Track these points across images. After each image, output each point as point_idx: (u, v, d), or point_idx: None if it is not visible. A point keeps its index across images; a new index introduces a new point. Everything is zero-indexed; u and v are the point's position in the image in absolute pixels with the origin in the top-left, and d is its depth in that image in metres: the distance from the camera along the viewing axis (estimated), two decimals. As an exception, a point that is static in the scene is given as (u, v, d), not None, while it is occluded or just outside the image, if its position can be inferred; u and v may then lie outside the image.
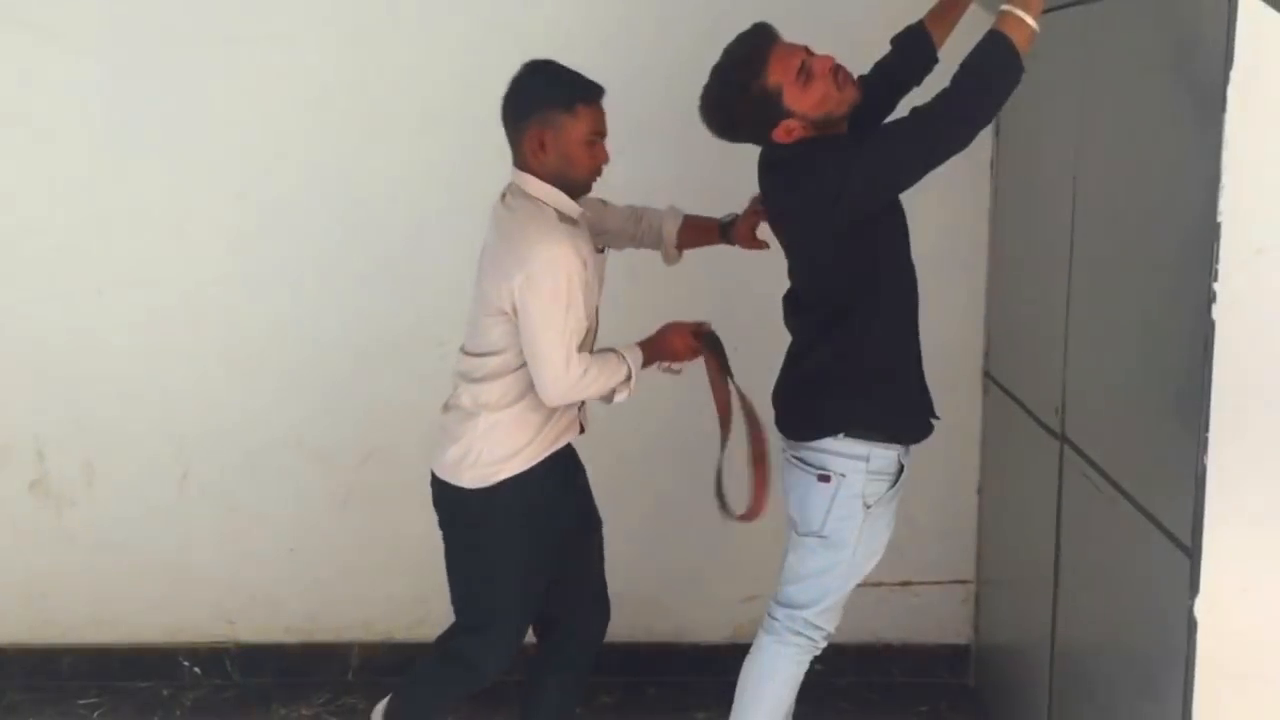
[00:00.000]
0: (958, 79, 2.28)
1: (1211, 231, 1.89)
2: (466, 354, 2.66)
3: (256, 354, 3.49)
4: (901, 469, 2.56)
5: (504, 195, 2.64)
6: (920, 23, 2.68)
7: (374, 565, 3.56)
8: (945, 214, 3.34)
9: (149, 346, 3.49)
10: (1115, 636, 2.38)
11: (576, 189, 2.59)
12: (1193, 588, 1.97)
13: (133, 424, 3.52)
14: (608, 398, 2.58)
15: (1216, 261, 1.89)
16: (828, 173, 2.38)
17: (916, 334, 2.59)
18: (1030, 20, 2.21)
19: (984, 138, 3.29)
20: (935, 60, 2.66)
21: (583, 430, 2.73)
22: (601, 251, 2.70)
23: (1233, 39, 1.84)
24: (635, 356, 2.59)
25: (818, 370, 2.57)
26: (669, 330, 2.66)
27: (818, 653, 2.66)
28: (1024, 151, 3.12)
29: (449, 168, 3.41)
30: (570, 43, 3.32)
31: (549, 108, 2.50)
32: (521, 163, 2.56)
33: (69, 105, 3.40)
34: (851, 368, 2.53)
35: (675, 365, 2.68)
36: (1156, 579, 2.12)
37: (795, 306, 2.63)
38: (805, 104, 2.42)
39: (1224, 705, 1.98)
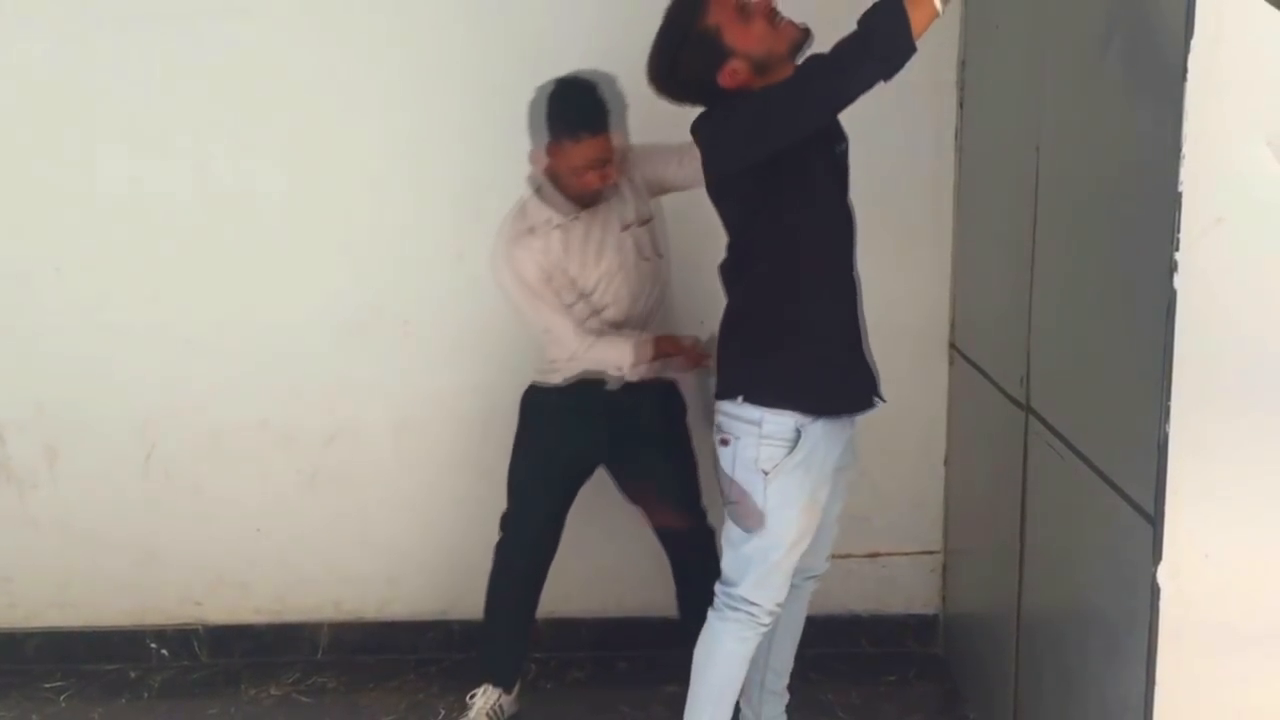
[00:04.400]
0: (843, 41, 2.25)
1: (1173, 201, 1.89)
2: None
3: (219, 334, 3.46)
4: (799, 435, 2.50)
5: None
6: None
7: (342, 544, 3.55)
8: (910, 187, 3.35)
9: (109, 326, 3.45)
10: (1080, 604, 2.40)
11: (578, 202, 2.94)
12: (1155, 555, 1.98)
13: (94, 405, 3.49)
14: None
15: (1178, 231, 1.90)
16: (720, 122, 2.40)
17: (838, 304, 2.55)
18: (935, 1, 2.17)
19: (948, 109, 3.32)
20: None
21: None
22: (642, 224, 3.00)
23: (1193, 7, 1.84)
24: (635, 354, 2.94)
25: (725, 325, 2.60)
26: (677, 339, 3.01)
27: (764, 628, 2.64)
28: (987, 123, 3.12)
29: (412, 145, 3.38)
30: (539, 17, 3.31)
31: (544, 136, 2.85)
32: (535, 167, 2.95)
33: (22, 81, 3.35)
34: (751, 324, 2.54)
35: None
36: (1120, 547, 2.14)
37: (721, 266, 2.64)
38: (746, 42, 2.39)
39: (1187, 670, 2.00)
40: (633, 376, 2.97)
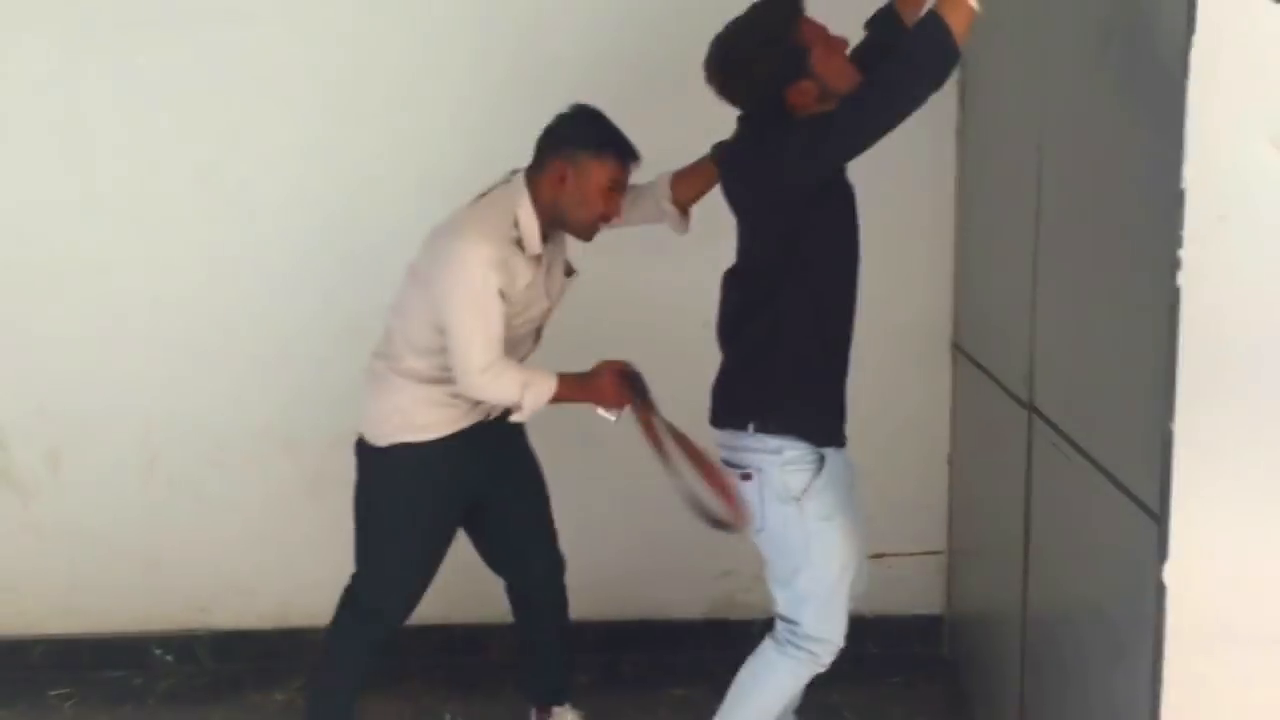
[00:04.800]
0: (890, 62, 2.30)
1: (1175, 199, 1.89)
2: (397, 316, 2.77)
3: (221, 340, 3.47)
4: (823, 459, 2.53)
5: (484, 193, 2.73)
6: (890, 5, 2.68)
7: (345, 549, 3.52)
8: (912, 185, 3.35)
9: (112, 333, 3.46)
10: (1085, 604, 2.40)
11: (573, 233, 2.74)
12: (1161, 553, 1.98)
13: (97, 412, 3.49)
14: (512, 408, 2.68)
15: (1181, 229, 1.90)
16: (777, 145, 2.40)
17: (846, 344, 2.58)
18: (971, 1, 2.22)
19: (949, 108, 3.31)
20: None
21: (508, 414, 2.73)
22: (570, 275, 2.82)
23: (1194, 5, 1.84)
24: (546, 388, 2.65)
25: (741, 354, 2.58)
26: (601, 374, 2.71)
27: (821, 669, 2.64)
28: (989, 121, 3.12)
29: (415, 148, 3.38)
30: (537, 21, 3.31)
31: (583, 147, 2.64)
32: (534, 189, 2.68)
33: (22, 88, 3.36)
34: (773, 353, 2.52)
35: (609, 414, 2.74)
36: (1125, 546, 2.13)
37: (733, 282, 2.62)
38: (828, 70, 2.43)
39: (1194, 669, 2.00)
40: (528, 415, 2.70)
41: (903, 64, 2.29)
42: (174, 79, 3.34)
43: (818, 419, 2.55)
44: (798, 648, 2.60)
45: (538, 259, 2.69)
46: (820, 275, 2.51)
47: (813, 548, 2.54)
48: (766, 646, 2.65)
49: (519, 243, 2.65)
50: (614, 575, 3.52)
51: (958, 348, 3.41)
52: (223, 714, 3.39)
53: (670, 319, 3.31)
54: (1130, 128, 2.11)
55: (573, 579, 3.27)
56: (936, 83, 2.28)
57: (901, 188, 3.31)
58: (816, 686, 2.84)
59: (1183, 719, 2.01)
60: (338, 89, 3.36)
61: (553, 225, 2.71)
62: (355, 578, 2.89)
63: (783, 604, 2.61)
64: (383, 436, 2.76)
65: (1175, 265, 1.90)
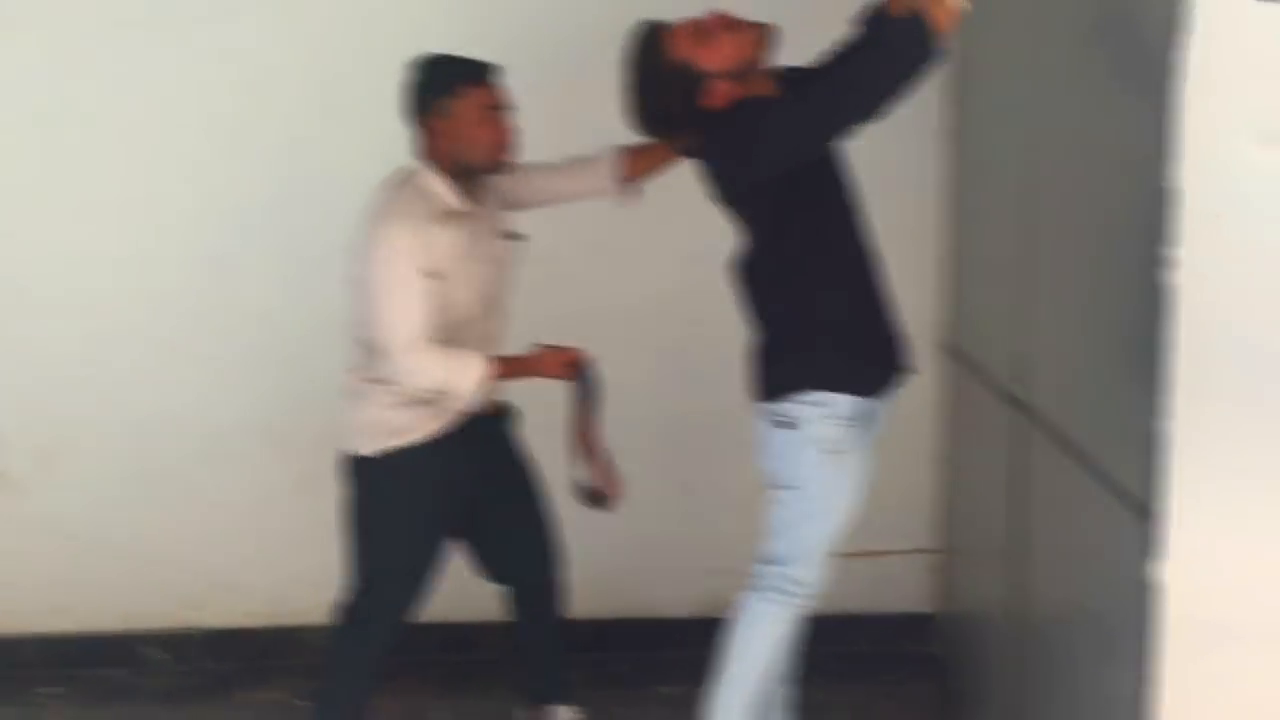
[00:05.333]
0: (868, 54, 2.29)
1: (1169, 197, 1.90)
2: (354, 329, 2.76)
3: (210, 338, 3.46)
4: (865, 414, 2.57)
5: (391, 180, 2.71)
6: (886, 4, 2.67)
7: (334, 546, 3.52)
8: (904, 185, 3.35)
9: (101, 331, 3.45)
10: (1077, 601, 2.40)
11: (486, 170, 2.69)
12: (1153, 552, 1.98)
13: (87, 410, 3.49)
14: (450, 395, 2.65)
15: (1174, 226, 1.90)
16: (740, 135, 2.41)
17: (871, 285, 2.60)
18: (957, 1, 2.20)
19: (941, 106, 3.32)
20: None
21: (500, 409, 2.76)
22: (515, 239, 2.77)
23: (1186, 2, 1.84)
24: (475, 370, 2.62)
25: (771, 333, 2.60)
26: (542, 351, 2.72)
27: (801, 611, 2.65)
28: (981, 119, 3.12)
29: (397, 146, 3.36)
30: (527, 19, 3.31)
31: (434, 98, 2.63)
32: (423, 155, 2.68)
33: (8, 86, 3.35)
34: (800, 326, 2.56)
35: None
36: (1116, 544, 2.13)
37: (743, 272, 2.64)
38: (718, 61, 2.43)
39: (1186, 668, 2.00)
40: (475, 401, 2.67)
41: (880, 58, 2.27)
42: (163, 78, 3.34)
43: (859, 370, 2.58)
44: (779, 590, 2.61)
45: (463, 222, 2.65)
46: (824, 235, 2.54)
47: (830, 499, 2.58)
48: (749, 602, 2.65)
49: (438, 216, 2.62)
50: (603, 573, 3.51)
51: (948, 346, 3.42)
52: (214, 712, 3.38)
53: (662, 317, 3.31)
54: (1122, 126, 2.12)
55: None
56: (909, 78, 2.24)
57: (890, 187, 3.27)
58: (809, 684, 2.85)
59: (1173, 717, 2.01)
60: (333, 86, 3.36)
61: (467, 177, 2.68)
62: (352, 592, 2.85)
63: (779, 546, 2.62)
64: (368, 445, 2.74)
65: (1168, 263, 1.91)
